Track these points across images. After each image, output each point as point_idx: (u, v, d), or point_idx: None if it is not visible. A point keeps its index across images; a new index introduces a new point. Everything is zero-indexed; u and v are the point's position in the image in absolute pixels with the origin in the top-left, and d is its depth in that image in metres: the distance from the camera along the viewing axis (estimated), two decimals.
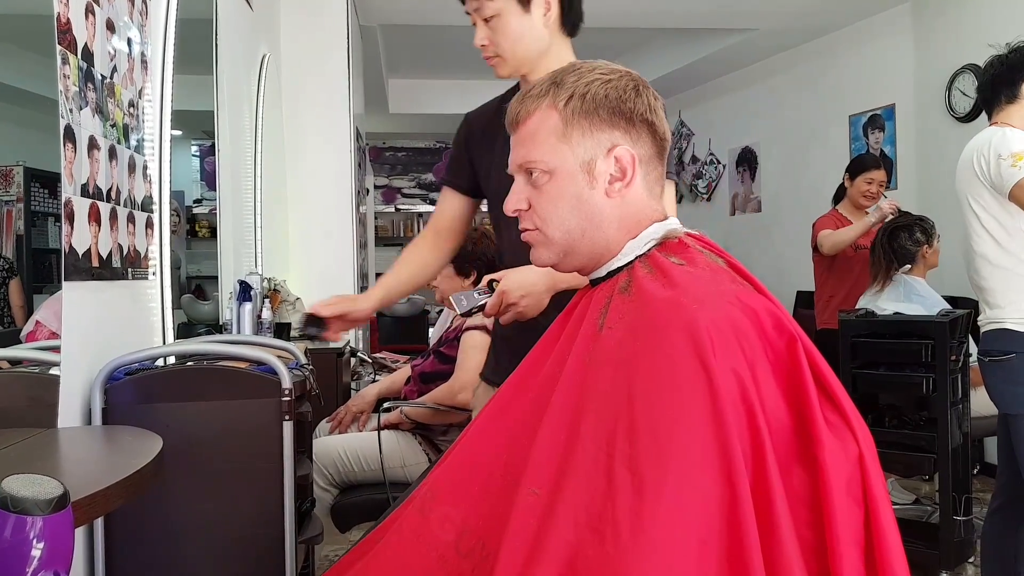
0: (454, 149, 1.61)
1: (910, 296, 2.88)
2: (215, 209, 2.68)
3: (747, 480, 0.78)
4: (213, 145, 2.63)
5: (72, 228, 1.42)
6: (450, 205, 1.60)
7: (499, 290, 1.31)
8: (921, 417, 2.73)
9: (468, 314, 1.32)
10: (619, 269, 0.97)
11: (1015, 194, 1.98)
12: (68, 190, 1.41)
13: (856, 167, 3.50)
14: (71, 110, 1.42)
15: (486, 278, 1.34)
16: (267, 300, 2.74)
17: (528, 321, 1.33)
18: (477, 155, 1.54)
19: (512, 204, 1.00)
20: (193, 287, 2.80)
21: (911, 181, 4.45)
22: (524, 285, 1.31)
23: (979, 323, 2.14)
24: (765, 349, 0.86)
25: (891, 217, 3.15)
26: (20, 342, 1.41)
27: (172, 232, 1.96)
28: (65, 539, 0.72)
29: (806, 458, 0.83)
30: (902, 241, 3.00)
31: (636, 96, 0.96)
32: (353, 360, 3.25)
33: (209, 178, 2.81)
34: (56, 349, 1.40)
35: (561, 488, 0.82)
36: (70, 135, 1.42)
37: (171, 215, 1.93)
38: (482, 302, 1.31)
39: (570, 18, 1.45)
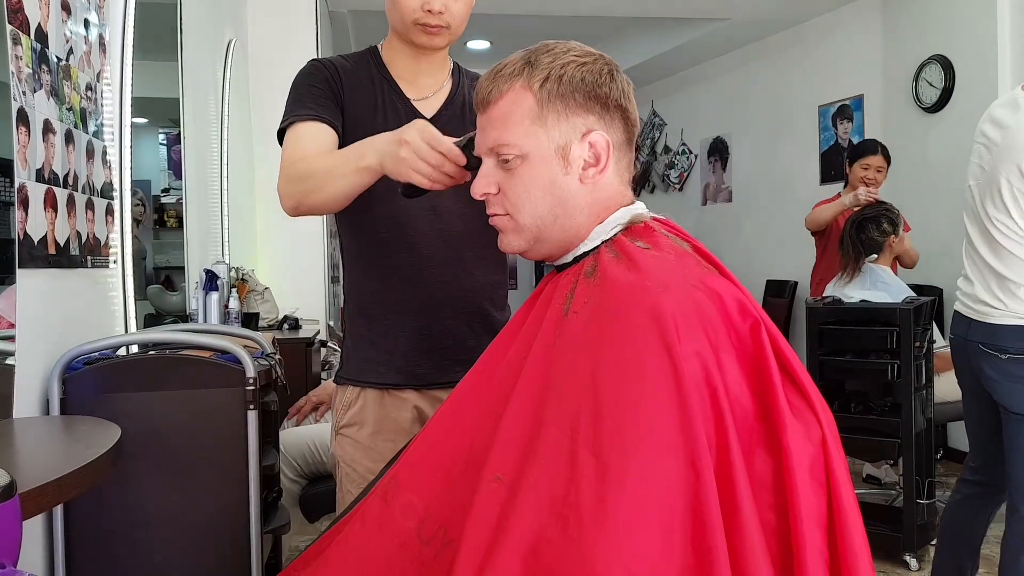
0: (321, 86, 1.39)
1: (876, 284, 2.92)
2: (182, 198, 2.63)
3: (711, 464, 0.78)
4: (180, 134, 2.58)
5: (27, 214, 1.38)
6: (332, 141, 1.33)
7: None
8: (886, 403, 2.78)
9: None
10: (585, 254, 0.96)
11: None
12: (22, 175, 1.37)
13: (854, 153, 3.55)
14: (24, 92, 1.38)
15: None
16: (234, 290, 2.69)
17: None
18: (350, 101, 1.38)
19: (480, 187, 0.98)
20: (162, 278, 2.75)
21: None
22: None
23: (983, 313, 1.91)
24: (729, 333, 0.85)
25: (863, 204, 3.19)
26: None
27: (138, 222, 1.91)
28: (11, 530, 0.70)
29: (770, 442, 0.83)
30: (870, 232, 3.03)
31: (611, 80, 0.95)
32: (324, 350, 3.22)
33: (176, 167, 2.75)
34: (12, 339, 1.37)
35: (524, 473, 0.81)
36: (23, 118, 1.38)
37: (137, 205, 1.89)
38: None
39: None
